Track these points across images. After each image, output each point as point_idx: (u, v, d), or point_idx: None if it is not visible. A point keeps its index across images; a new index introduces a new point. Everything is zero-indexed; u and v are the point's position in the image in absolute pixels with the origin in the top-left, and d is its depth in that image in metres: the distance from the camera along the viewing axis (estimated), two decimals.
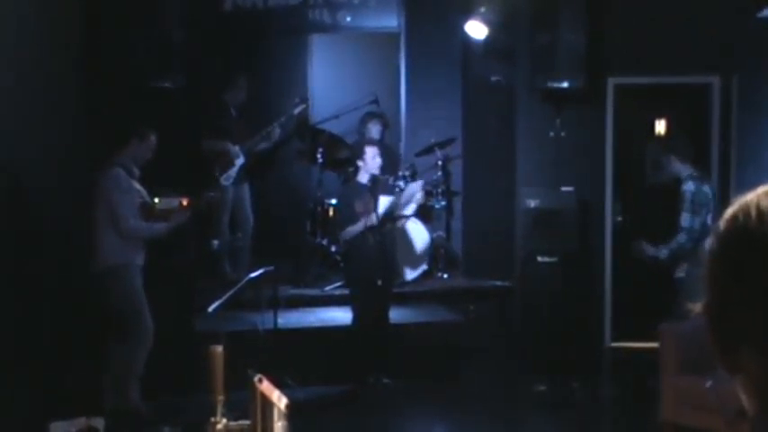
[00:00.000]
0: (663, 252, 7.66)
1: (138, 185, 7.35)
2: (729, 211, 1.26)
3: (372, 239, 8.17)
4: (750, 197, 1.24)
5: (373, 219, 8.14)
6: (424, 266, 9.90)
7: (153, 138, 7.45)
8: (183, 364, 7.33)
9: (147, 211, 7.38)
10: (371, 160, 8.28)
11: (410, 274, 9.76)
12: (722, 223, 1.26)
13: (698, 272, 7.53)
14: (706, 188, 7.70)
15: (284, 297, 8.56)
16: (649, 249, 7.78)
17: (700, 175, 7.84)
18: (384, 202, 8.38)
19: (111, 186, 7.22)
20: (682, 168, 7.77)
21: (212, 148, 9.58)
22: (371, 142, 8.72)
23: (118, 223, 7.20)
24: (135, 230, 7.29)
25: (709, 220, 7.61)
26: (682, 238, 7.58)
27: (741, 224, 1.22)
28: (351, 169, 9.37)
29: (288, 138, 10.67)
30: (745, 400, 1.24)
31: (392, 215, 8.54)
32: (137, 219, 7.31)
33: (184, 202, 7.53)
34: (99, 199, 7.28)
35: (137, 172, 7.37)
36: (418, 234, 9.74)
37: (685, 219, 7.57)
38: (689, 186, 7.62)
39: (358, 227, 8.18)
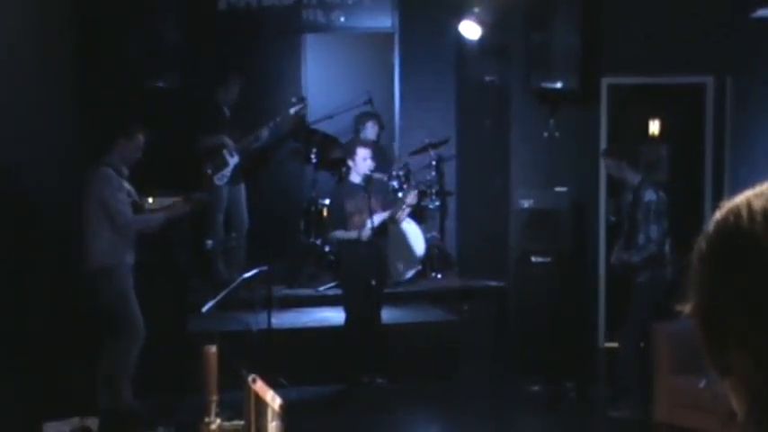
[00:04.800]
0: (635, 258, 7.71)
1: (127, 185, 7.31)
2: (719, 214, 1.25)
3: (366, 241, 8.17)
4: (740, 199, 1.24)
5: (366, 227, 8.12)
6: (419, 266, 9.90)
7: (140, 137, 7.40)
8: (177, 363, 7.33)
9: (138, 211, 7.36)
10: (362, 162, 8.24)
11: (405, 274, 9.75)
12: (712, 225, 1.26)
13: (660, 276, 7.60)
14: (662, 194, 7.74)
15: (278, 297, 8.57)
16: (623, 254, 7.85)
17: (651, 181, 7.89)
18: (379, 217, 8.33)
19: (102, 185, 7.18)
20: (632, 175, 7.81)
21: (206, 145, 9.58)
22: (364, 143, 8.68)
23: (114, 219, 7.15)
24: (133, 223, 7.25)
25: (666, 226, 7.67)
26: (652, 248, 7.61)
27: (732, 225, 1.22)
28: (344, 169, 9.38)
29: (284, 137, 10.67)
30: (734, 402, 1.23)
31: (385, 226, 8.52)
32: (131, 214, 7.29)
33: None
34: (89, 199, 7.23)
35: (125, 171, 7.32)
36: (415, 236, 9.73)
37: (653, 231, 7.61)
38: (650, 196, 7.64)
39: (350, 234, 8.19)
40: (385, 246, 8.68)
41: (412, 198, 8.67)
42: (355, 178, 8.35)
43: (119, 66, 8.71)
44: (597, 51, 9.18)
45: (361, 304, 8.23)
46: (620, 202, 8.37)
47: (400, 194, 9.46)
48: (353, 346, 8.18)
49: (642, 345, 7.63)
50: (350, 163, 8.37)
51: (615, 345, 9.03)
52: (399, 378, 8.33)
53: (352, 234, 8.20)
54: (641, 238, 7.64)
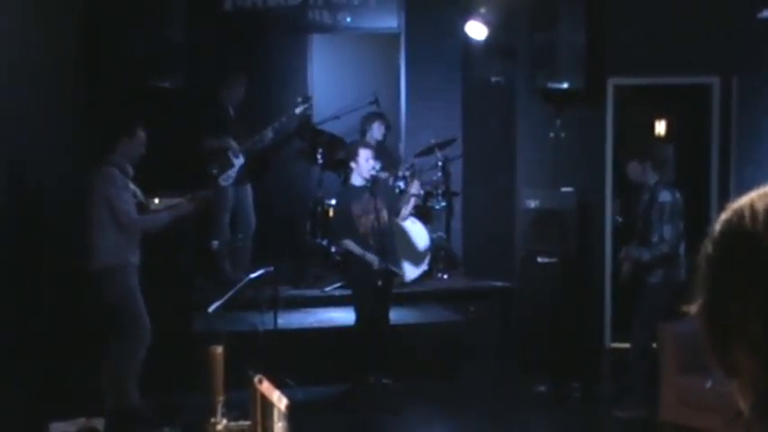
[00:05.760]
0: (645, 255, 7.70)
1: (132, 185, 7.30)
2: (724, 215, 1.27)
3: (372, 241, 8.16)
4: (744, 200, 1.25)
5: (374, 259, 8.10)
6: (425, 267, 9.90)
7: (142, 133, 7.37)
8: (183, 364, 7.33)
9: (143, 212, 7.36)
10: (365, 162, 8.19)
11: (411, 274, 9.76)
12: (717, 226, 1.27)
13: (673, 276, 7.59)
14: (677, 195, 7.73)
15: (284, 297, 8.57)
16: (632, 251, 7.84)
17: (667, 182, 7.88)
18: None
19: (107, 184, 7.16)
20: (651, 176, 7.80)
21: (211, 146, 9.58)
22: (366, 144, 8.64)
23: (119, 218, 7.14)
24: (138, 223, 7.24)
25: (681, 227, 7.66)
26: (665, 248, 7.62)
27: (735, 225, 1.23)
28: (348, 170, 9.38)
29: (289, 137, 10.68)
30: (740, 400, 1.24)
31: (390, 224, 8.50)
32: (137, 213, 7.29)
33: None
34: (94, 198, 7.20)
35: (131, 171, 7.29)
36: (418, 233, 9.74)
37: (667, 230, 7.62)
38: (665, 197, 7.64)
39: (359, 251, 8.16)
40: (391, 246, 8.66)
41: (416, 188, 8.64)
42: (357, 180, 8.30)
43: (122, 66, 8.71)
44: (603, 51, 9.17)
45: (367, 304, 8.22)
46: (636, 202, 8.37)
47: None
48: (359, 345, 8.18)
49: (654, 345, 7.62)
50: (352, 165, 8.33)
51: (621, 345, 9.05)
52: (405, 378, 8.32)
53: (359, 251, 8.17)
54: (655, 238, 7.65)
